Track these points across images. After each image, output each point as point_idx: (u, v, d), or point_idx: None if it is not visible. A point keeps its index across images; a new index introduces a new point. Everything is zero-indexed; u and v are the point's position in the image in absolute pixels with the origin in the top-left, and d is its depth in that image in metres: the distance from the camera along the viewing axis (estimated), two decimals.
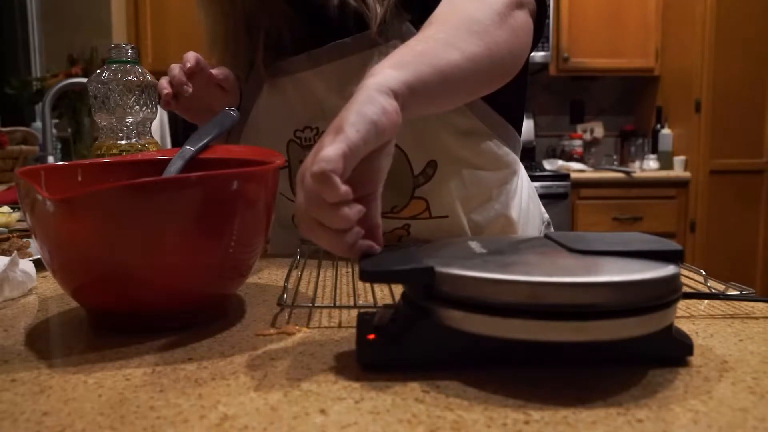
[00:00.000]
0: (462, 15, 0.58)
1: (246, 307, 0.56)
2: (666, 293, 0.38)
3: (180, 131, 2.95)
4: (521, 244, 0.47)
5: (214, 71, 0.79)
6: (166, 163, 0.62)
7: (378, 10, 0.72)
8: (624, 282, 0.37)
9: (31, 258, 0.68)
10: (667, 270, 0.39)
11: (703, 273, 0.60)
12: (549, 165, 3.44)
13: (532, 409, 0.35)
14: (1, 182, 1.92)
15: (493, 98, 0.71)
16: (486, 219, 0.82)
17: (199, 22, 0.84)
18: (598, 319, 0.36)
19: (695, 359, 0.42)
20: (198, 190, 0.46)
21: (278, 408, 0.35)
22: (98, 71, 0.82)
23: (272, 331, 0.49)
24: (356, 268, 0.67)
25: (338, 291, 0.62)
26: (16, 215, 1.04)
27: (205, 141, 0.64)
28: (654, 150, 3.38)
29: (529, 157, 3.50)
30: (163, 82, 0.76)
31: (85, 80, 1.83)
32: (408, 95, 0.46)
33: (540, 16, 0.69)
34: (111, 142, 0.81)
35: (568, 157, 3.53)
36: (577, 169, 3.27)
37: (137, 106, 0.81)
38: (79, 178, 0.60)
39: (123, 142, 0.81)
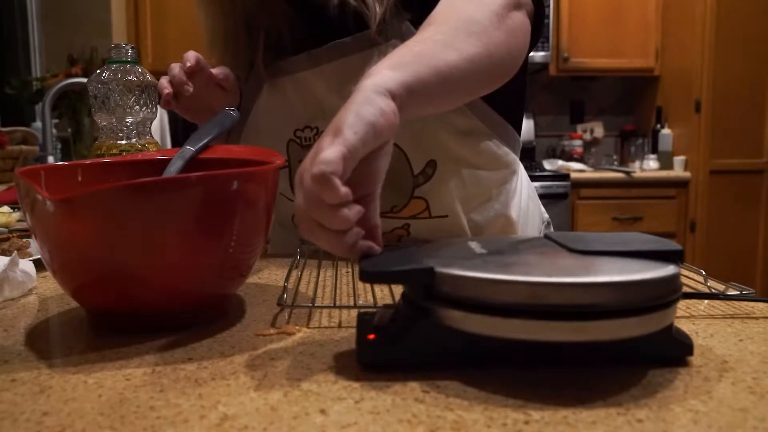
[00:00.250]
0: (460, 16, 0.58)
1: (246, 307, 0.56)
2: (666, 293, 0.38)
3: (180, 131, 2.95)
4: (521, 245, 0.47)
5: (214, 71, 0.79)
6: (166, 163, 0.62)
7: (377, 9, 0.72)
8: (624, 282, 0.37)
9: (31, 258, 0.68)
10: (667, 270, 0.39)
11: (703, 273, 0.60)
12: (549, 165, 3.44)
13: (532, 409, 0.35)
14: (1, 182, 1.92)
15: (492, 98, 0.71)
16: (486, 219, 0.82)
17: (199, 21, 0.84)
18: (598, 319, 0.36)
19: (695, 359, 0.42)
20: (198, 190, 0.46)
21: (278, 408, 0.35)
22: (98, 71, 0.82)
23: (272, 331, 0.49)
24: (356, 268, 0.67)
25: (338, 291, 0.62)
26: (16, 215, 1.04)
27: (205, 141, 0.64)
28: (654, 150, 3.39)
29: (529, 157, 3.50)
30: (164, 81, 0.76)
31: (85, 80, 1.83)
32: (406, 96, 0.46)
33: (537, 17, 0.69)
34: (111, 142, 0.81)
35: (568, 157, 3.53)
36: (577, 169, 3.27)
37: (137, 106, 0.81)
38: (79, 178, 0.60)
39: (123, 142, 0.81)
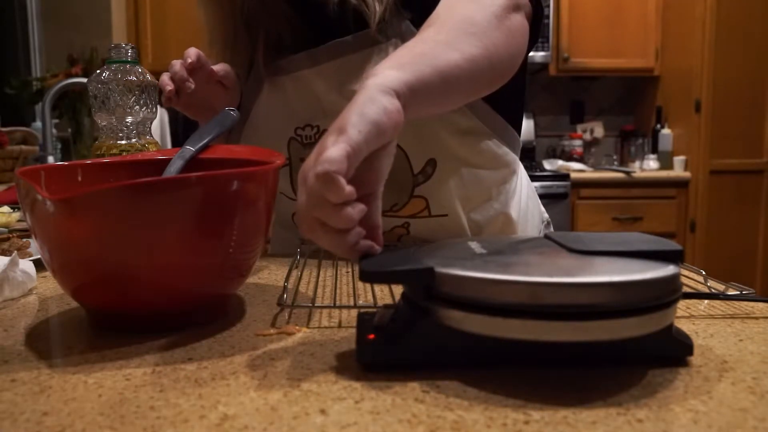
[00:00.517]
0: (460, 17, 0.58)
1: (246, 307, 0.56)
2: (666, 293, 0.38)
3: (180, 131, 2.95)
4: (521, 245, 0.47)
5: (215, 67, 0.80)
6: (166, 163, 0.62)
7: (377, 8, 0.72)
8: (624, 282, 0.37)
9: (31, 258, 0.68)
10: (667, 270, 0.39)
11: (703, 273, 0.60)
12: (549, 165, 3.44)
13: (532, 409, 0.35)
14: (1, 182, 1.92)
15: (492, 98, 0.71)
16: (485, 218, 0.82)
17: (199, 21, 0.85)
18: (598, 319, 0.36)
19: (695, 359, 0.42)
20: (198, 190, 0.46)
21: (278, 408, 0.35)
22: (98, 71, 0.81)
23: (272, 331, 0.49)
24: (356, 268, 0.67)
25: (338, 291, 0.62)
26: (16, 215, 1.04)
27: (205, 141, 0.64)
28: (654, 150, 3.39)
29: (529, 157, 3.50)
30: (165, 78, 0.76)
31: (85, 80, 1.83)
32: (409, 95, 0.46)
33: (536, 19, 0.69)
34: (111, 142, 0.81)
35: (568, 157, 3.53)
36: (577, 169, 3.27)
37: (137, 106, 0.81)
38: (79, 178, 0.60)
39: (123, 142, 0.81)
